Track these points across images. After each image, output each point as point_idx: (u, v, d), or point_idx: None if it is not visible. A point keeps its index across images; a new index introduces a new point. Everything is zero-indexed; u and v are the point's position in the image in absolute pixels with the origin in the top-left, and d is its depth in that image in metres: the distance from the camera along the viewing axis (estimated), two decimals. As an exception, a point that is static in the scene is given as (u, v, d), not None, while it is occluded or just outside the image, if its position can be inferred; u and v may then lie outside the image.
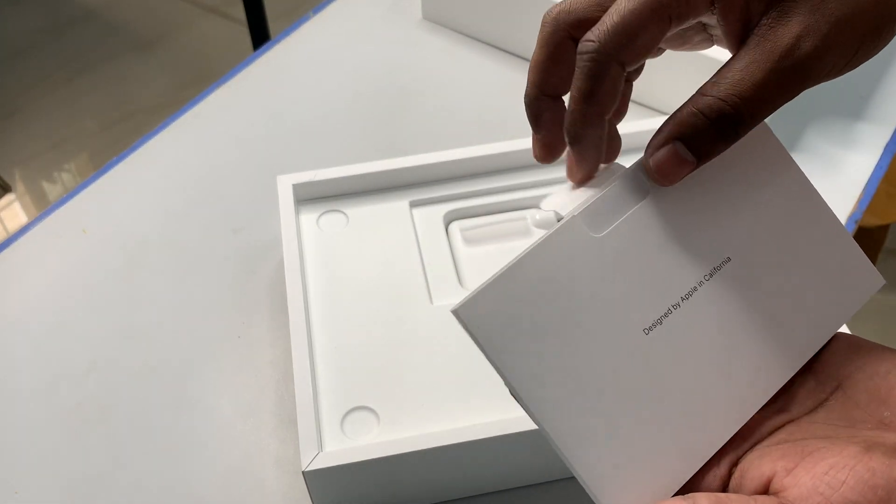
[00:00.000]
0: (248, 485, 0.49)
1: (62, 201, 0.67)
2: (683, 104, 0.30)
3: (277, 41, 0.81)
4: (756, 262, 0.31)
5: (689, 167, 0.30)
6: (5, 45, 2.07)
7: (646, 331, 0.29)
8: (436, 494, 0.48)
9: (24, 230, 0.65)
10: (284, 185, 0.58)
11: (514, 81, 0.75)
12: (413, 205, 0.59)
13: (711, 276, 0.30)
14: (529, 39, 0.75)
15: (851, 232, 0.61)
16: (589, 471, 0.28)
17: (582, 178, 0.32)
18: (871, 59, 0.31)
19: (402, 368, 0.49)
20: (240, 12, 1.73)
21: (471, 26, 0.79)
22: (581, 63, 0.30)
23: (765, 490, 0.28)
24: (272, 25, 1.69)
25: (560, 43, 0.33)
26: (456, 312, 0.28)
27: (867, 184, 0.65)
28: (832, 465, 0.27)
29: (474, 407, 0.47)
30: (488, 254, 0.56)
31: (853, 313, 0.32)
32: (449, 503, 0.48)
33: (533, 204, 0.59)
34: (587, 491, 0.28)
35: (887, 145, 0.67)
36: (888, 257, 1.46)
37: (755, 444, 0.30)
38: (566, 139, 0.32)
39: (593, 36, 0.30)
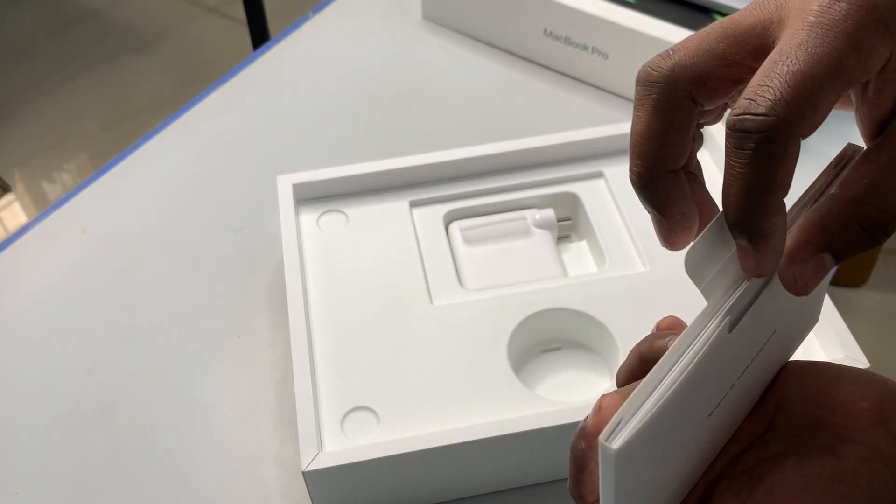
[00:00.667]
0: (248, 485, 0.49)
1: (62, 201, 0.67)
2: (826, 203, 0.26)
3: (277, 41, 0.81)
4: (783, 330, 0.30)
5: (826, 274, 0.26)
6: (5, 45, 2.07)
7: (708, 416, 0.27)
8: (436, 494, 0.48)
9: (23, 230, 0.65)
10: (284, 185, 0.58)
11: (515, 81, 0.75)
12: (413, 205, 0.59)
13: (760, 351, 0.28)
14: (529, 39, 0.75)
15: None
16: None
17: (770, 271, 0.26)
18: None
19: (402, 368, 0.49)
20: (240, 12, 1.73)
21: (471, 26, 0.79)
22: (752, 144, 0.24)
23: None
24: (272, 25, 1.69)
25: (678, 106, 0.28)
26: (615, 453, 0.24)
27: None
28: (770, 485, 0.26)
29: (474, 407, 0.47)
30: (488, 254, 0.56)
31: (790, 356, 0.31)
32: (449, 503, 0.48)
33: (533, 204, 0.58)
34: None
35: (887, 145, 0.67)
36: (888, 257, 1.46)
37: (718, 477, 0.29)
38: (748, 239, 0.25)
39: (763, 108, 0.24)
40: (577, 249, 0.59)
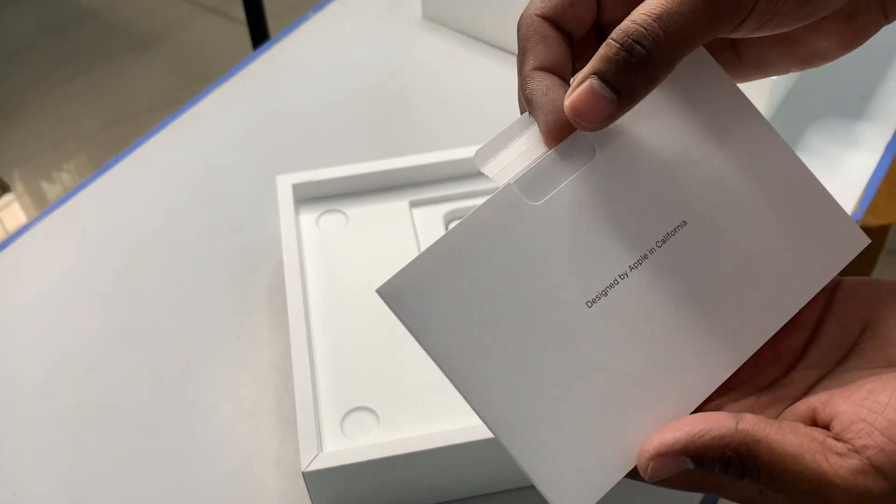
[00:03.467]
0: (248, 485, 0.49)
1: (61, 201, 0.67)
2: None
3: (277, 40, 0.81)
4: (717, 224, 0.29)
5: (610, 105, 0.27)
6: (5, 45, 2.07)
7: (588, 304, 0.27)
8: (435, 495, 0.48)
9: (23, 230, 0.64)
10: (284, 185, 0.58)
11: (515, 81, 0.75)
12: (413, 205, 0.58)
13: (664, 241, 0.28)
14: (529, 39, 0.75)
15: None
16: (529, 459, 0.26)
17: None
18: (871, 59, 0.30)
19: (402, 369, 0.49)
20: (239, 12, 1.73)
21: (471, 26, 0.79)
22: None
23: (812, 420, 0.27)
24: (271, 25, 1.69)
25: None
26: (379, 292, 0.26)
27: (868, 184, 0.65)
28: (870, 389, 0.26)
29: (474, 407, 0.47)
30: (488, 254, 0.56)
31: (834, 274, 0.30)
32: (449, 503, 0.48)
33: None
34: (530, 479, 0.27)
35: (888, 145, 0.67)
36: (888, 257, 1.46)
37: (789, 405, 0.28)
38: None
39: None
40: (578, 249, 0.58)
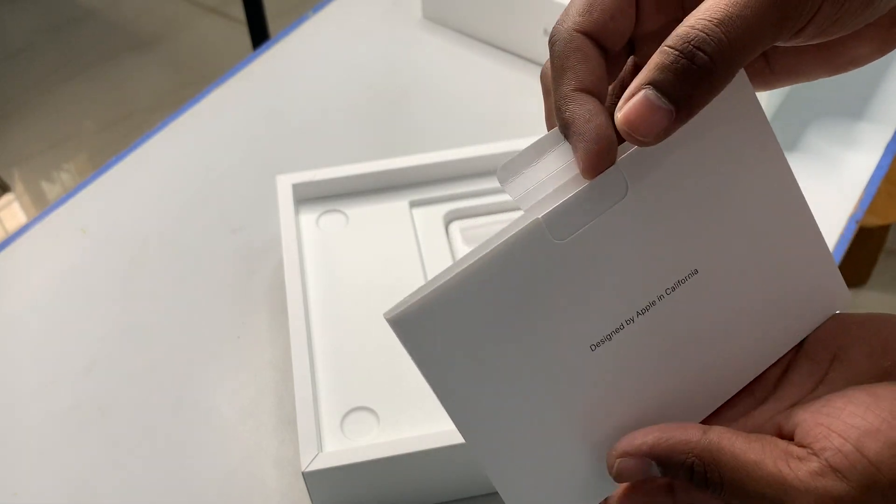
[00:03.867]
0: (248, 485, 0.49)
1: (61, 201, 0.67)
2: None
3: (277, 40, 0.81)
4: (723, 274, 0.29)
5: (667, 117, 0.25)
6: (4, 45, 2.07)
7: (593, 347, 0.27)
8: (435, 495, 0.48)
9: (22, 230, 0.64)
10: (284, 185, 0.58)
11: (515, 81, 0.75)
12: (413, 205, 0.58)
13: (674, 289, 0.28)
14: (529, 39, 0.75)
15: (852, 232, 0.61)
16: (514, 496, 0.28)
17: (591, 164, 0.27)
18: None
19: (402, 369, 0.49)
20: (239, 12, 1.73)
21: (471, 26, 0.79)
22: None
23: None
24: (272, 25, 1.69)
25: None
26: (388, 319, 0.25)
27: (868, 184, 0.65)
28: (828, 399, 0.26)
29: (474, 407, 0.47)
30: (488, 254, 0.56)
31: (815, 327, 0.30)
32: (449, 503, 0.48)
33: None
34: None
35: (888, 145, 0.67)
36: (888, 257, 1.46)
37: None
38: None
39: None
40: (578, 249, 0.58)
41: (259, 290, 0.59)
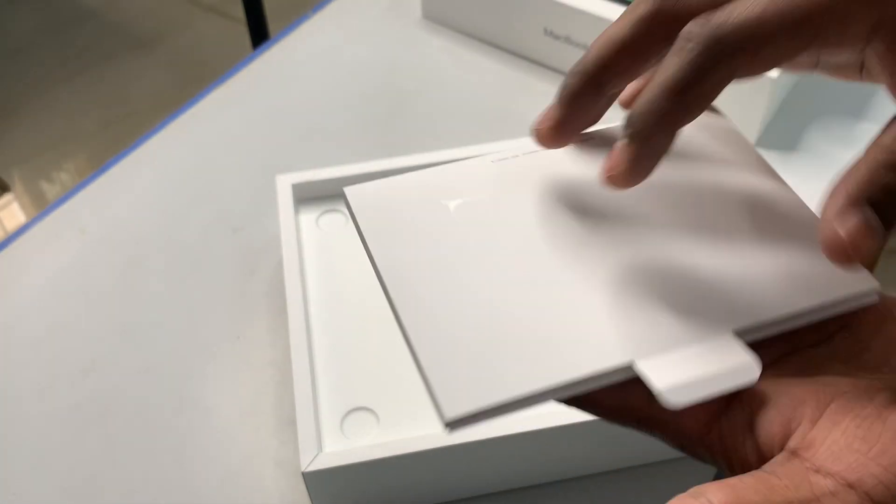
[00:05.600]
0: (248, 485, 0.49)
1: (61, 201, 0.67)
2: (862, 159, 0.24)
3: (277, 40, 0.81)
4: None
5: (878, 241, 0.24)
6: (4, 44, 2.07)
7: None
8: (435, 495, 0.48)
9: (22, 230, 0.64)
10: (284, 185, 0.58)
11: (514, 81, 0.75)
12: (413, 205, 0.58)
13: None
14: (529, 39, 0.75)
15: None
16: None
17: (636, 181, 0.26)
18: None
19: (402, 369, 0.49)
20: (239, 11, 1.73)
21: (471, 26, 0.79)
22: (690, 47, 0.24)
23: (784, 438, 0.23)
24: (271, 24, 1.69)
25: (666, 38, 0.26)
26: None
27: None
28: (864, 416, 0.22)
29: (474, 407, 0.47)
30: (488, 254, 0.56)
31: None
32: (449, 503, 0.48)
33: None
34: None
35: (888, 145, 0.67)
36: (889, 257, 1.46)
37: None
38: (629, 132, 0.25)
39: (716, 20, 0.24)
40: (578, 249, 0.58)
41: (259, 290, 0.59)
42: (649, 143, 0.25)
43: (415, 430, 0.46)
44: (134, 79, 1.98)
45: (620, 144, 0.25)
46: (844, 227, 0.23)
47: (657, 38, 0.27)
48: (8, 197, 1.78)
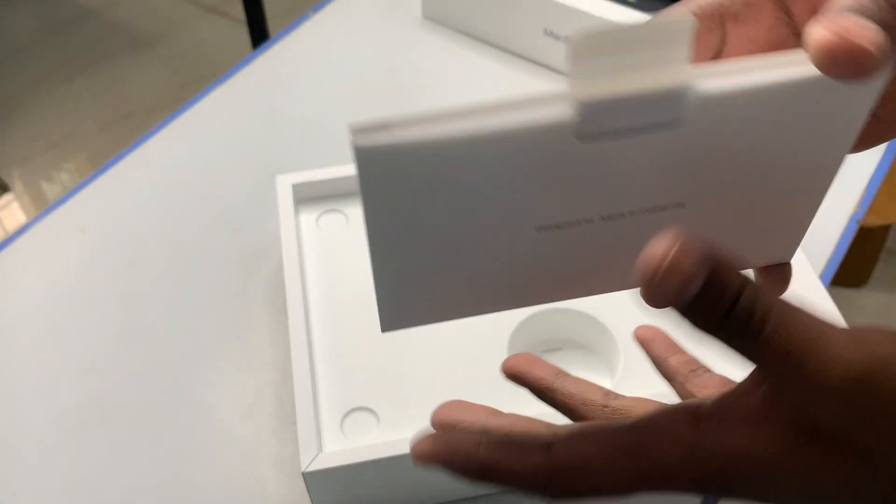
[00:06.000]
0: (248, 485, 0.49)
1: (61, 201, 0.67)
2: None
3: (277, 40, 0.81)
4: (709, 219, 0.27)
5: (879, 52, 0.22)
6: (4, 44, 2.07)
7: (538, 228, 0.25)
8: (436, 495, 0.48)
9: (22, 230, 0.64)
10: (283, 185, 0.58)
11: (514, 81, 0.75)
12: (413, 205, 0.58)
13: (651, 212, 0.26)
14: (529, 39, 0.75)
15: (853, 232, 0.61)
16: (383, 285, 0.26)
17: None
18: None
19: (402, 369, 0.49)
20: (239, 11, 1.73)
21: (471, 26, 0.79)
22: None
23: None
24: (271, 24, 1.69)
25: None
26: (358, 149, 0.22)
27: (868, 183, 0.65)
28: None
29: (474, 407, 0.47)
30: (488, 254, 0.56)
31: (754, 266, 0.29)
32: (449, 504, 0.48)
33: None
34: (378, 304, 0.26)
35: (888, 145, 0.67)
36: (889, 257, 1.46)
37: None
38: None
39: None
40: (578, 249, 0.58)
41: (259, 290, 0.59)
42: None
43: (415, 430, 0.46)
44: (134, 79, 1.98)
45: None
46: (834, 27, 0.22)
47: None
48: (8, 197, 1.78)
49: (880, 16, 0.23)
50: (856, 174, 0.65)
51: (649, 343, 0.39)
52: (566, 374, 0.35)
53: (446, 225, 0.24)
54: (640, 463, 0.25)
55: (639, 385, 0.47)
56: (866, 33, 0.22)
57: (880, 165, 0.66)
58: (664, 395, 0.38)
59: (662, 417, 0.25)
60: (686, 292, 0.21)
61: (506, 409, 0.47)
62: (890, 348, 0.22)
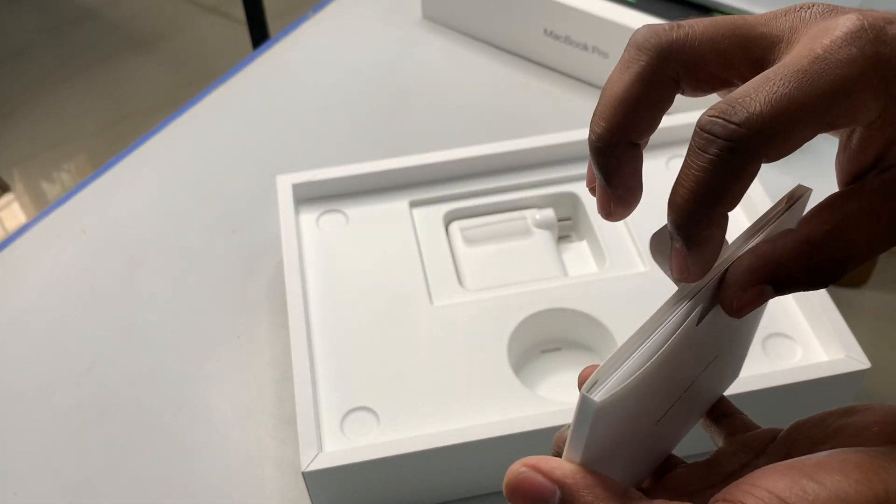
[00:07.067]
0: (248, 485, 0.49)
1: (61, 201, 0.67)
2: (782, 237, 0.26)
3: (277, 40, 0.81)
4: (719, 362, 0.31)
5: (764, 303, 0.26)
6: (4, 45, 2.07)
7: (657, 422, 0.29)
8: (435, 495, 0.48)
9: (22, 230, 0.64)
10: (284, 185, 0.58)
11: (514, 81, 0.75)
12: (413, 205, 0.58)
13: (703, 371, 0.30)
14: (529, 39, 0.75)
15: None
16: None
17: (697, 278, 0.26)
18: None
19: (402, 368, 0.49)
20: (239, 12, 1.73)
21: (471, 26, 0.79)
22: (715, 149, 0.23)
23: None
24: (271, 25, 1.69)
25: (662, 82, 0.27)
26: (596, 404, 0.25)
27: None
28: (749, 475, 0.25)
29: (474, 407, 0.47)
30: (488, 254, 0.56)
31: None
32: (449, 503, 0.48)
33: (533, 204, 0.58)
34: None
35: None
36: (889, 257, 1.46)
37: None
38: (684, 241, 0.25)
39: (738, 118, 0.23)
40: (578, 249, 0.58)
41: (259, 290, 0.59)
42: (701, 245, 0.25)
43: (415, 430, 0.46)
44: (134, 79, 1.98)
45: (676, 248, 0.26)
46: (740, 299, 0.26)
47: (668, 89, 0.27)
48: (8, 197, 1.78)
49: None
50: (855, 174, 0.65)
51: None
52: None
53: (621, 432, 0.27)
54: None
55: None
56: (752, 305, 0.26)
57: (880, 165, 0.66)
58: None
59: None
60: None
61: (504, 409, 0.47)
62: None
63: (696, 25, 0.27)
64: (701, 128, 0.24)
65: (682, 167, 0.24)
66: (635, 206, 0.29)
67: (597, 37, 0.71)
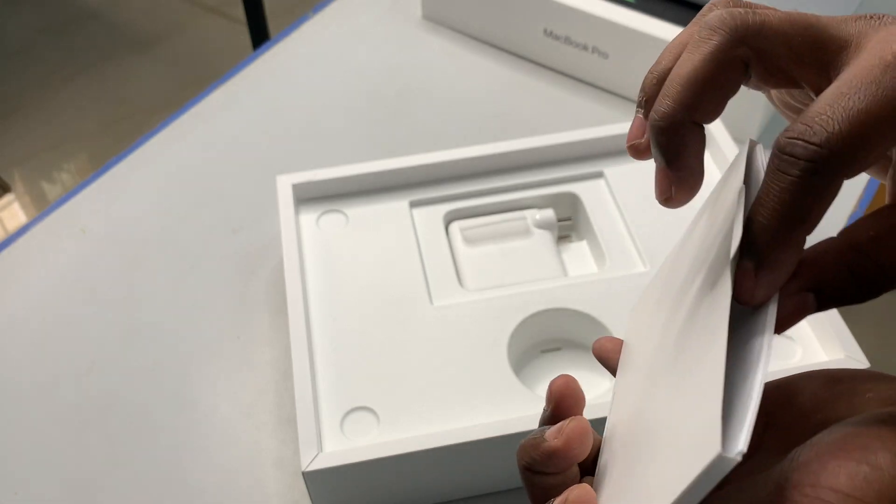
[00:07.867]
0: (248, 485, 0.49)
1: (61, 201, 0.67)
2: (825, 244, 0.25)
3: (277, 41, 0.81)
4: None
5: (807, 315, 0.25)
6: (5, 45, 2.07)
7: None
8: (435, 495, 0.48)
9: (23, 230, 0.64)
10: (284, 185, 0.58)
11: (515, 81, 0.75)
12: (413, 205, 0.59)
13: None
14: (529, 39, 0.75)
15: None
16: None
17: (762, 301, 0.25)
18: None
19: (402, 368, 0.49)
20: (239, 12, 1.73)
21: (471, 26, 0.79)
22: (796, 171, 0.23)
23: None
24: (272, 25, 1.69)
25: (733, 65, 0.26)
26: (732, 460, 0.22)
27: (868, 183, 0.65)
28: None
29: (474, 407, 0.47)
30: (488, 254, 0.56)
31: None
32: (449, 503, 0.48)
33: (533, 204, 0.58)
34: None
35: (888, 145, 0.67)
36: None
37: None
38: (759, 263, 0.24)
39: (818, 139, 0.23)
40: (577, 249, 0.58)
41: (259, 289, 0.59)
42: (774, 267, 0.25)
43: (415, 430, 0.46)
44: (134, 79, 1.98)
45: (746, 269, 0.25)
46: (783, 309, 0.25)
47: (737, 72, 0.26)
48: (8, 197, 1.78)
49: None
50: (855, 174, 0.65)
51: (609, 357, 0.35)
52: None
53: None
54: None
55: (638, 385, 0.47)
56: (795, 318, 0.25)
57: (880, 165, 0.66)
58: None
59: None
60: None
61: (504, 409, 0.47)
62: None
63: (771, 15, 0.26)
64: (780, 149, 0.23)
65: (762, 189, 0.24)
66: (697, 190, 0.28)
67: (597, 37, 0.71)
